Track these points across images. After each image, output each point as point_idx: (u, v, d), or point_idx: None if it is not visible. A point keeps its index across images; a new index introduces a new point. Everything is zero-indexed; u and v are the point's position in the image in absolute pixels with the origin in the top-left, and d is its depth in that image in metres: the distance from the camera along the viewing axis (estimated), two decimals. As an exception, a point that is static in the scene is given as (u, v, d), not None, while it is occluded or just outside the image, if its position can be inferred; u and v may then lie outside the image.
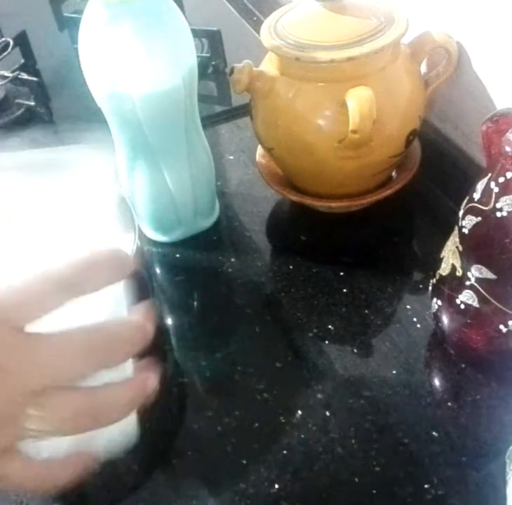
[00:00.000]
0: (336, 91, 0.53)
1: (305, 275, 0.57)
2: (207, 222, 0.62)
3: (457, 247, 0.46)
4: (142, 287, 0.50)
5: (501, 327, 0.43)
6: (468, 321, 0.46)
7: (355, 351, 0.51)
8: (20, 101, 0.79)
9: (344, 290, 0.55)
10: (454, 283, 0.46)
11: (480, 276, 0.44)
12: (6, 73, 0.79)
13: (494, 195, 0.41)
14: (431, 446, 0.44)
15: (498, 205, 0.41)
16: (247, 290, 0.58)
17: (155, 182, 0.57)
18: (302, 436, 0.46)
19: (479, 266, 0.44)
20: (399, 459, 0.44)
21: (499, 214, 0.41)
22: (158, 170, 0.56)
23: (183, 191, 0.58)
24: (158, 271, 0.60)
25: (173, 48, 0.51)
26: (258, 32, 0.57)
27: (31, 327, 0.29)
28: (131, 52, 0.49)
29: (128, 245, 0.47)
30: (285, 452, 0.45)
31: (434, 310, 0.49)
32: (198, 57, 0.78)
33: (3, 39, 0.83)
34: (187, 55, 0.52)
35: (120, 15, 0.48)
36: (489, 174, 0.42)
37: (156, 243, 0.61)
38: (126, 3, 0.48)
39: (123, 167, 0.57)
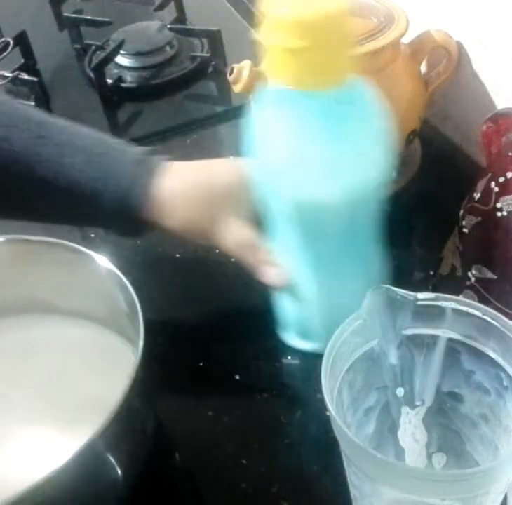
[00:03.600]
0: (336, 91, 0.53)
1: (305, 276, 0.57)
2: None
3: (457, 247, 0.46)
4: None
5: (501, 327, 0.43)
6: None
7: (355, 351, 0.51)
8: (20, 101, 0.79)
9: (344, 290, 0.55)
10: (454, 283, 0.46)
11: (480, 276, 0.44)
12: (6, 73, 0.79)
13: (494, 195, 0.42)
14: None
15: (498, 205, 0.41)
16: (247, 290, 0.57)
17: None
18: (302, 436, 0.46)
19: (479, 266, 0.44)
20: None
21: (499, 214, 0.41)
22: (299, 273, 0.46)
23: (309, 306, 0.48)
24: (157, 271, 0.60)
25: (351, 161, 0.39)
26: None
27: None
28: (301, 153, 0.38)
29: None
30: (285, 451, 0.45)
31: (434, 310, 0.49)
32: (198, 57, 0.77)
33: (3, 39, 0.83)
34: (366, 174, 0.40)
35: (307, 108, 0.38)
36: (489, 174, 0.42)
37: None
38: (317, 95, 0.37)
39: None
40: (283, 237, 0.45)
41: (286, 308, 0.50)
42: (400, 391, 0.37)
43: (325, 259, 0.44)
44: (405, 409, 0.38)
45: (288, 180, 0.40)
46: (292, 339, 0.52)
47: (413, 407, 0.38)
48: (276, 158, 0.39)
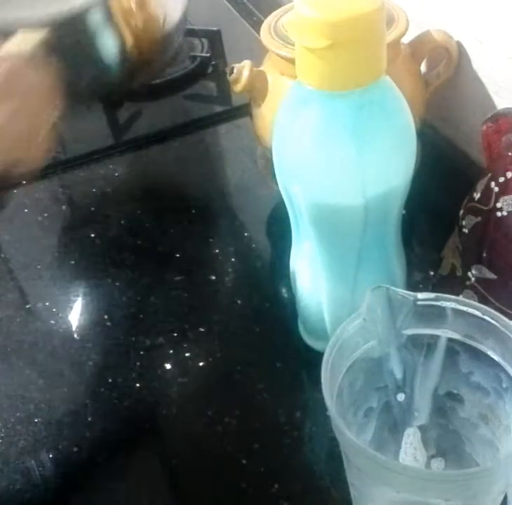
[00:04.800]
0: (336, 91, 0.52)
1: (305, 275, 0.57)
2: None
3: (457, 247, 0.46)
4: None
5: (501, 327, 0.43)
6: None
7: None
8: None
9: (344, 290, 0.55)
10: (454, 283, 0.46)
11: (480, 276, 0.44)
12: (6, 73, 0.79)
13: (494, 195, 0.42)
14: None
15: (498, 205, 0.41)
16: (247, 290, 0.57)
17: (310, 282, 0.48)
18: (302, 436, 0.46)
19: (479, 266, 0.44)
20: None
21: (499, 214, 0.41)
22: (317, 275, 0.46)
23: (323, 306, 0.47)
24: (156, 271, 0.60)
25: (376, 163, 0.38)
26: (258, 32, 0.57)
27: None
28: (327, 153, 0.38)
29: None
30: (285, 451, 0.45)
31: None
32: (198, 57, 0.77)
33: (3, 39, 0.83)
34: (391, 177, 0.39)
35: (333, 109, 0.37)
36: (489, 174, 0.42)
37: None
38: (345, 96, 0.36)
39: (294, 248, 0.49)
40: (305, 235, 0.45)
41: (304, 308, 0.50)
42: (400, 396, 0.37)
43: (343, 260, 0.44)
44: (407, 431, 0.38)
45: (312, 180, 0.39)
46: (308, 338, 0.51)
47: (414, 419, 0.38)
48: (301, 158, 0.39)
